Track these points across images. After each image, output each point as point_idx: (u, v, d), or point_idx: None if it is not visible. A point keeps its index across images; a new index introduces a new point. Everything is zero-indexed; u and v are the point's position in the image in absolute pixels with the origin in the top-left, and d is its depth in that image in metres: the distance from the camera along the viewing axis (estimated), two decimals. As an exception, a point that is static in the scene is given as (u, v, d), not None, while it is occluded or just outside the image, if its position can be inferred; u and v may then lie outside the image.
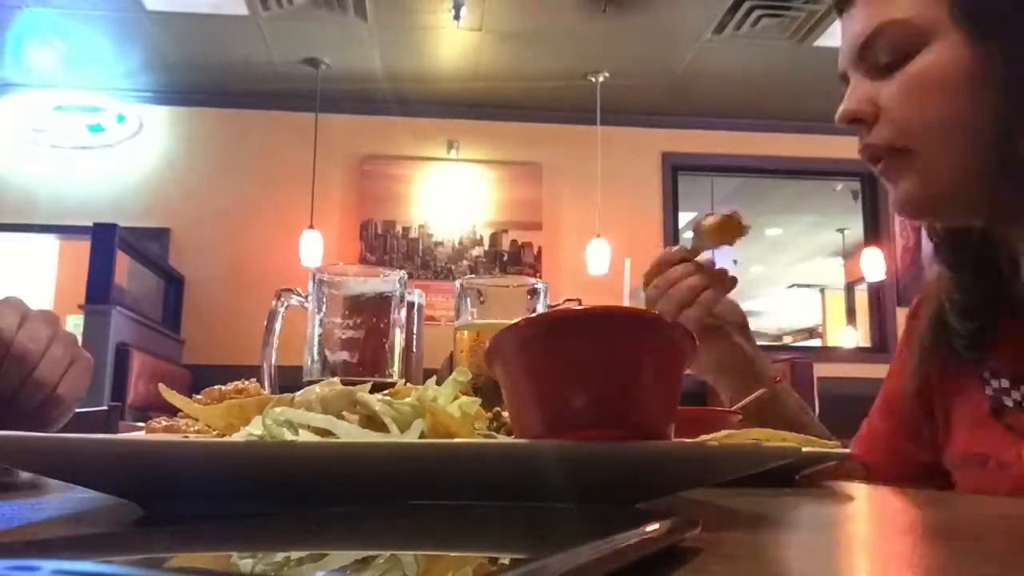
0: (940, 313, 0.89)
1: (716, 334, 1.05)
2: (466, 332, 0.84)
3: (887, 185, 0.86)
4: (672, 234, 5.93)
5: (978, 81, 0.77)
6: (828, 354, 6.59)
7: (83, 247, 4.61)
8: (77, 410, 1.01)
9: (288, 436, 0.44)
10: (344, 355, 0.82)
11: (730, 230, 1.01)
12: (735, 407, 0.86)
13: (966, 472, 0.87)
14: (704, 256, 1.05)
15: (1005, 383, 0.85)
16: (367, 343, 0.82)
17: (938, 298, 0.90)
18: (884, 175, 0.85)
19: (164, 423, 0.60)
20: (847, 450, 0.78)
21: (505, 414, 0.52)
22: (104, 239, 4.46)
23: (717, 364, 1.07)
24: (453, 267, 5.73)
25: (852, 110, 0.84)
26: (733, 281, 1.04)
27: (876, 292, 6.05)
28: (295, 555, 0.24)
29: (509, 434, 0.52)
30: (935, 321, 0.90)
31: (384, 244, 5.74)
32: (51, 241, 6.12)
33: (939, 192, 0.82)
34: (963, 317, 0.86)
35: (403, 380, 0.59)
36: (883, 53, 0.82)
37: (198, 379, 4.93)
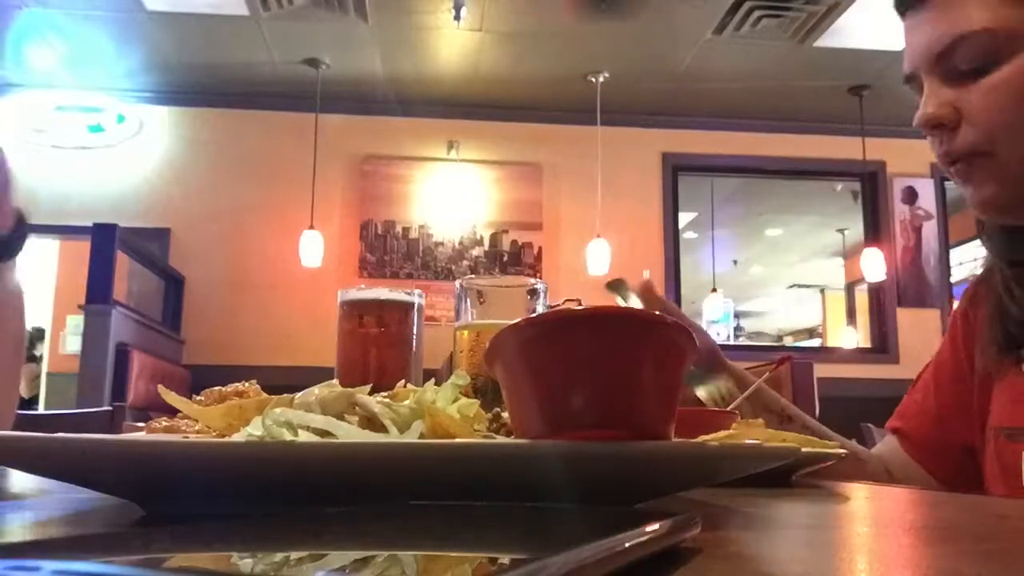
0: (998, 303, 0.92)
1: None
2: (466, 332, 0.84)
3: (962, 188, 0.88)
4: (672, 234, 5.93)
5: None
6: (828, 354, 6.59)
7: (83, 247, 4.61)
8: (79, 410, 1.00)
9: (288, 437, 0.44)
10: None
11: None
12: (731, 406, 0.86)
13: (999, 443, 0.91)
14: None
15: None
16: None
17: (995, 290, 0.93)
18: (960, 176, 0.87)
19: (164, 423, 0.60)
20: (844, 451, 0.78)
21: (505, 415, 0.52)
22: (104, 239, 4.46)
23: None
24: (453, 267, 5.73)
25: (935, 115, 0.86)
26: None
27: (876, 292, 6.05)
28: (295, 555, 0.24)
29: (509, 435, 0.52)
30: (993, 309, 0.93)
31: (384, 244, 5.74)
32: (51, 241, 6.12)
33: (1020, 193, 0.85)
34: (1019, 286, 0.89)
35: (403, 382, 0.59)
36: (963, 61, 0.84)
37: (198, 379, 4.93)
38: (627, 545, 0.26)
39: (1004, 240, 0.92)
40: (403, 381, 0.59)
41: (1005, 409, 0.92)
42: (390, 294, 0.93)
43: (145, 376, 4.59)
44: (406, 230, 5.77)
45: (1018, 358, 0.90)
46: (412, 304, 0.93)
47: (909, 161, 6.03)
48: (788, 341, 11.68)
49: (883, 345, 5.92)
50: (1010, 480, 0.87)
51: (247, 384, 0.61)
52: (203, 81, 5.57)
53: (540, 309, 0.86)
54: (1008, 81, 0.82)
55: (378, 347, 0.91)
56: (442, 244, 5.78)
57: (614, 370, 0.43)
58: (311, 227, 5.37)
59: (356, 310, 0.92)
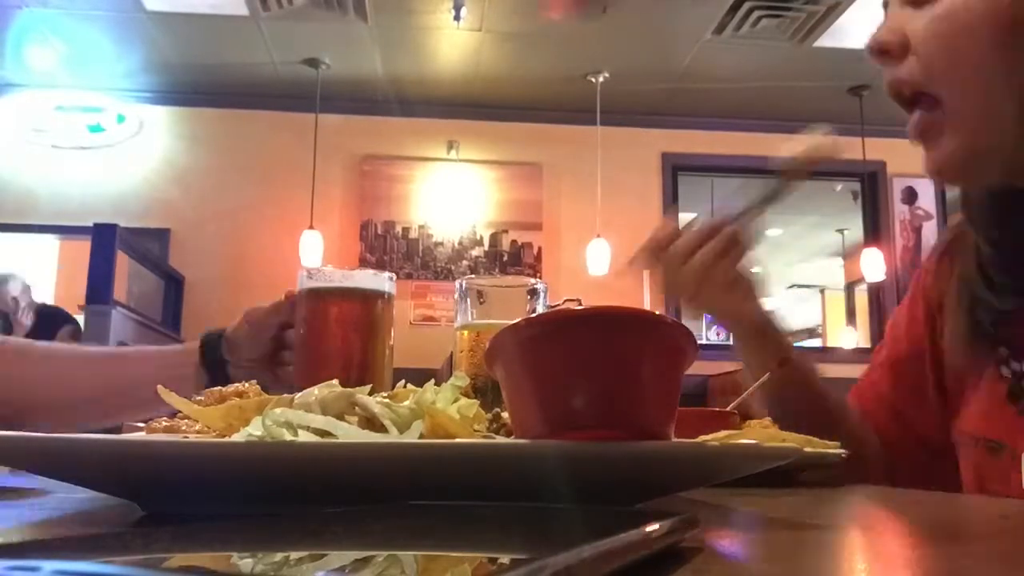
0: (969, 290, 0.83)
1: (746, 288, 1.00)
2: (466, 332, 0.84)
3: (921, 146, 0.79)
4: (672, 234, 5.92)
5: (1016, 30, 0.70)
6: (828, 354, 6.59)
7: (83, 247, 4.60)
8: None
9: (288, 437, 0.44)
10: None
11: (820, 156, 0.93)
12: (731, 406, 0.86)
13: (976, 452, 0.84)
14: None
15: (1020, 367, 0.80)
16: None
17: (966, 275, 0.83)
18: (916, 136, 0.79)
19: (164, 423, 0.60)
20: (846, 451, 0.78)
21: (505, 415, 0.52)
22: (104, 239, 4.45)
23: (754, 323, 1.02)
24: (453, 267, 5.73)
25: (879, 41, 0.77)
26: (748, 239, 0.98)
27: (876, 293, 6.05)
28: (295, 555, 0.24)
29: (509, 435, 0.52)
30: (962, 294, 0.84)
31: (384, 244, 5.74)
32: (51, 241, 6.12)
33: (973, 153, 0.75)
34: (1000, 271, 0.79)
35: (403, 382, 0.59)
36: None
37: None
38: (627, 545, 0.26)
39: (991, 210, 0.80)
40: (403, 382, 0.59)
41: (982, 417, 0.83)
42: (344, 281, 0.87)
43: (145, 376, 4.58)
44: (406, 230, 5.77)
45: (996, 358, 0.81)
46: (380, 292, 0.87)
47: (909, 161, 6.02)
48: (788, 341, 11.67)
49: (883, 345, 5.92)
50: (994, 495, 0.80)
51: (247, 384, 0.61)
52: (203, 81, 5.56)
53: (540, 309, 0.86)
54: (952, 10, 0.72)
55: (326, 338, 0.88)
56: (442, 244, 5.78)
57: (614, 370, 0.43)
58: (311, 227, 5.37)
59: (313, 299, 0.90)
